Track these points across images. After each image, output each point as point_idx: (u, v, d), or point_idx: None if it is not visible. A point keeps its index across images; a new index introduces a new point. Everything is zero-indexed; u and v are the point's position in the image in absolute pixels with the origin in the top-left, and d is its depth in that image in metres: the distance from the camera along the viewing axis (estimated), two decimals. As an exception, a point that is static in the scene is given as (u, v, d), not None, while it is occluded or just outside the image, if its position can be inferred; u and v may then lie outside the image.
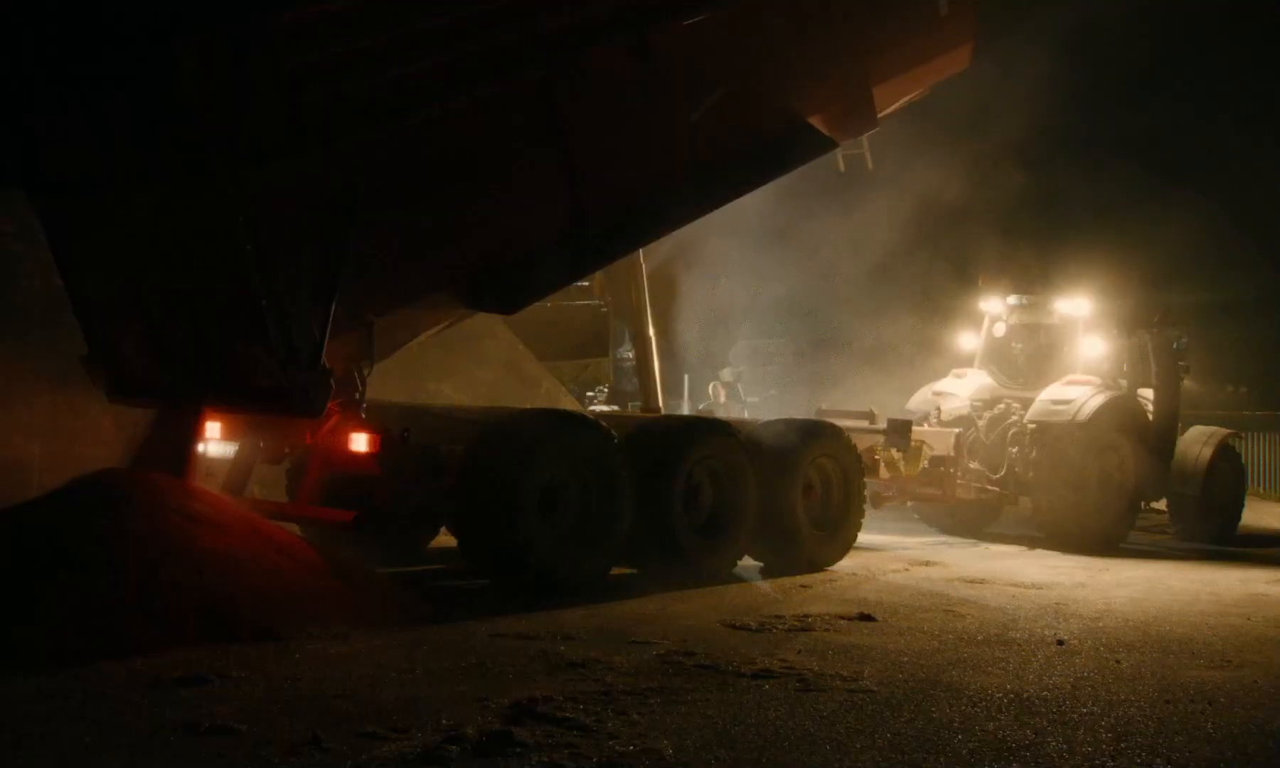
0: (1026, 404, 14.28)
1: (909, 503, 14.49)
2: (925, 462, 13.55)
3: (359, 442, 8.22)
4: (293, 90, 7.22)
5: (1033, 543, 13.87)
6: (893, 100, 11.82)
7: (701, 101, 9.53)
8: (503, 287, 8.88)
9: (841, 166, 11.89)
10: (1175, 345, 14.76)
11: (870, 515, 11.81)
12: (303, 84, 7.27)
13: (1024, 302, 15.28)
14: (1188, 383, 15.32)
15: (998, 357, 15.37)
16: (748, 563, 10.45)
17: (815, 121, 10.70)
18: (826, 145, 10.96)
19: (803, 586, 9.77)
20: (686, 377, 20.12)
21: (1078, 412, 13.65)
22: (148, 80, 7.12)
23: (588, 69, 8.72)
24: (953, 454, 13.81)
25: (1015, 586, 10.18)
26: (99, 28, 7.46)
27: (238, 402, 7.96)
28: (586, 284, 17.67)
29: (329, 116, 7.42)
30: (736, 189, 10.35)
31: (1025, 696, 6.06)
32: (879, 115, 11.30)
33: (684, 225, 10.53)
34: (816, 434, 11.03)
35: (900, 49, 11.25)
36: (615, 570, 9.31)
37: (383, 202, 7.72)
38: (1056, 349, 15.05)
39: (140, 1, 7.34)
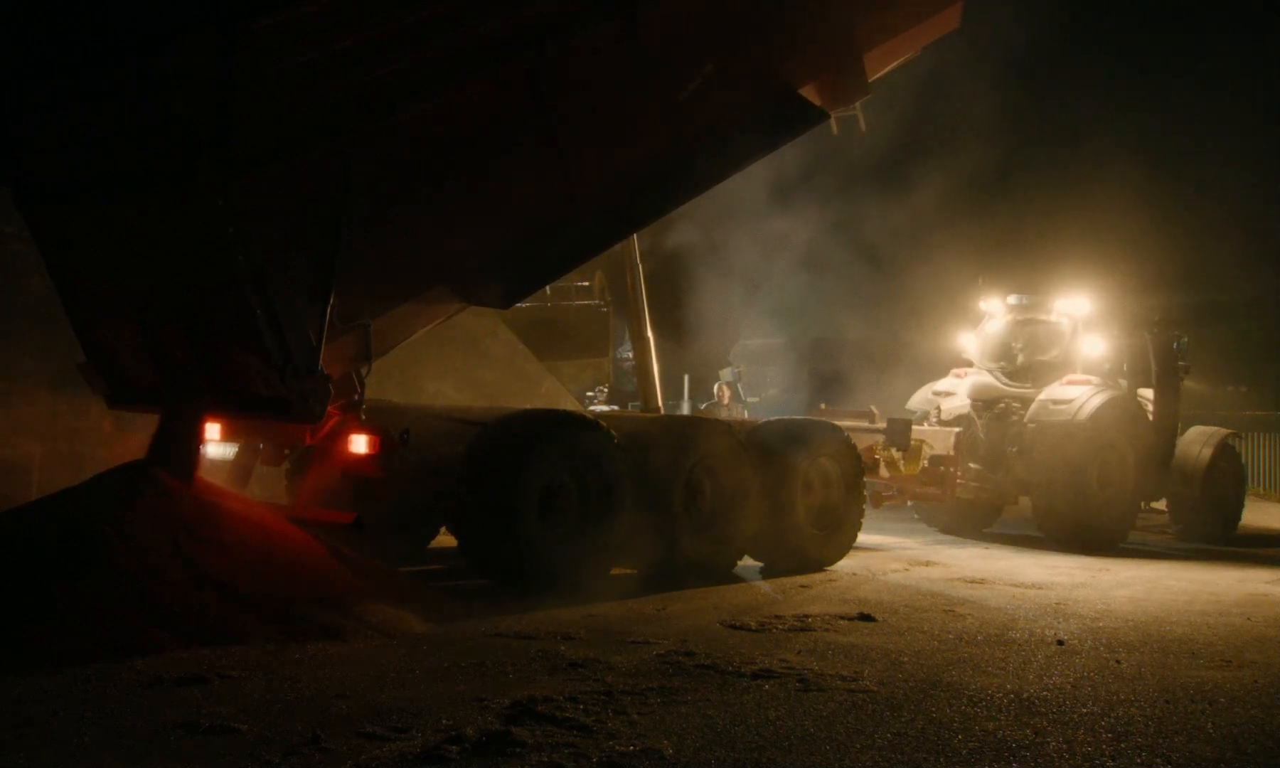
0: (1026, 404, 14.28)
1: (909, 503, 14.50)
2: (925, 461, 13.56)
3: (359, 443, 8.22)
4: (280, 93, 7.20)
5: (1033, 543, 13.88)
6: (884, 64, 11.73)
7: (691, 79, 9.46)
8: (499, 280, 8.87)
9: (835, 129, 11.84)
10: (1175, 345, 14.77)
11: (870, 515, 11.81)
12: (289, 87, 7.23)
13: (1024, 301, 15.28)
14: (1188, 383, 15.33)
15: (998, 356, 15.37)
16: (748, 563, 10.45)
17: (806, 92, 10.63)
18: (819, 116, 10.87)
19: (803, 586, 9.77)
20: (686, 377, 20.13)
21: (1078, 412, 13.65)
22: (136, 90, 7.10)
23: (576, 54, 8.66)
24: (953, 454, 13.81)
25: (1015, 586, 10.18)
26: (88, 37, 7.45)
27: (237, 409, 7.95)
28: (586, 284, 17.70)
29: (316, 118, 7.39)
30: (730, 166, 10.29)
31: (1025, 696, 6.06)
32: (870, 80, 11.24)
33: (680, 207, 10.49)
34: (816, 434, 11.03)
35: (890, 13, 11.13)
36: (615, 570, 9.31)
37: (374, 201, 7.71)
38: (1056, 349, 15.05)
39: (127, 10, 7.33)
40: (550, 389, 15.36)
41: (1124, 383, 14.74)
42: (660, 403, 12.08)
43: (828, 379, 21.64)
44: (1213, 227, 26.53)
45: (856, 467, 11.29)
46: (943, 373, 15.54)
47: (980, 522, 15.16)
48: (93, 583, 6.58)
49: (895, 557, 12.08)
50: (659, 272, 15.15)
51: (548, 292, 16.84)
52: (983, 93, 16.35)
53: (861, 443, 12.05)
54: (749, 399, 20.22)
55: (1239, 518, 15.69)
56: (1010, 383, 14.93)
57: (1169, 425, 14.59)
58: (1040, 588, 10.08)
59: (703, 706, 5.67)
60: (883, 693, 6.03)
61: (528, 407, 10.66)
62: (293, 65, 7.24)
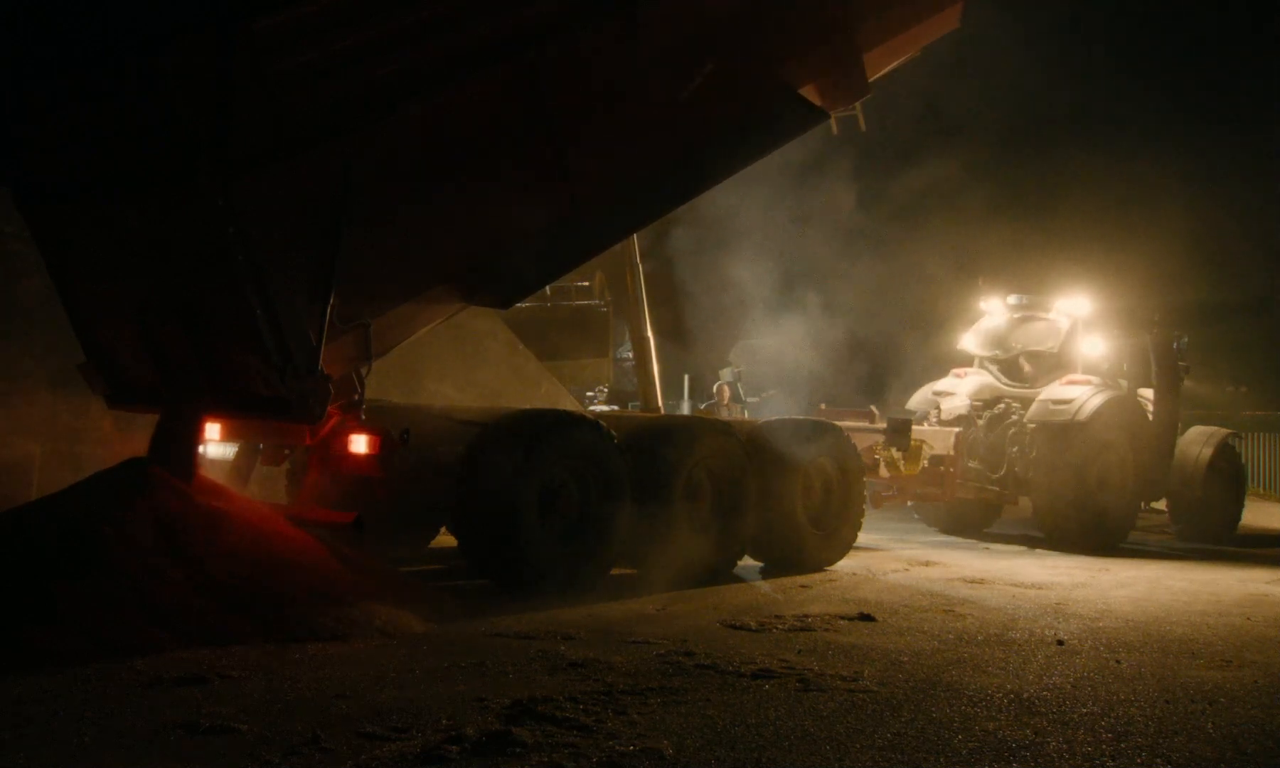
0: (1026, 404, 14.29)
1: (909, 503, 14.50)
2: (925, 461, 13.57)
3: (359, 443, 8.22)
4: (280, 93, 7.19)
5: (1033, 543, 13.88)
6: (884, 64, 11.75)
7: (691, 79, 9.45)
8: (499, 280, 8.88)
9: (835, 129, 11.87)
10: (1175, 345, 14.78)
11: (870, 515, 11.81)
12: (289, 87, 7.22)
13: (1024, 301, 15.29)
14: (1188, 383, 15.34)
15: (997, 356, 15.36)
16: (748, 563, 10.45)
17: (807, 92, 10.64)
18: (819, 116, 10.89)
19: (803, 586, 9.77)
20: (686, 377, 20.13)
21: (1078, 412, 13.66)
22: (136, 90, 7.10)
23: (576, 54, 8.65)
24: (953, 454, 13.82)
25: (1015, 586, 10.18)
26: (88, 37, 7.44)
27: (237, 409, 7.95)
28: (586, 284, 17.69)
29: (316, 118, 7.39)
30: (730, 166, 10.30)
31: (1025, 696, 6.06)
32: (870, 80, 11.25)
33: (679, 207, 10.52)
34: (816, 434, 11.03)
35: (890, 13, 11.14)
36: (615, 570, 9.31)
37: (374, 200, 7.70)
38: (1056, 349, 15.04)
39: (127, 10, 7.32)
40: (550, 389, 15.35)
41: (1124, 383, 14.74)
42: (660, 403, 12.08)
43: (828, 379, 21.63)
44: (1213, 227, 26.53)
45: (856, 467, 11.29)
46: (944, 373, 15.55)
47: (980, 522, 15.17)
48: (93, 583, 6.57)
49: (895, 557, 12.08)
50: (659, 272, 15.15)
51: (548, 292, 16.83)
52: (983, 93, 16.35)
53: (861, 443, 12.05)
54: (749, 399, 20.20)
55: (1239, 518, 15.70)
56: (1010, 383, 14.95)
57: (1169, 425, 14.60)
58: (1040, 588, 10.08)
59: (703, 706, 5.67)
60: (883, 693, 6.03)
61: (528, 407, 10.66)
62: (293, 65, 7.24)
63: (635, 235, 11.57)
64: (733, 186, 11.87)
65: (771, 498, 10.28)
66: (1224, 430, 15.67)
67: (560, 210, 8.96)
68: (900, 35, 11.53)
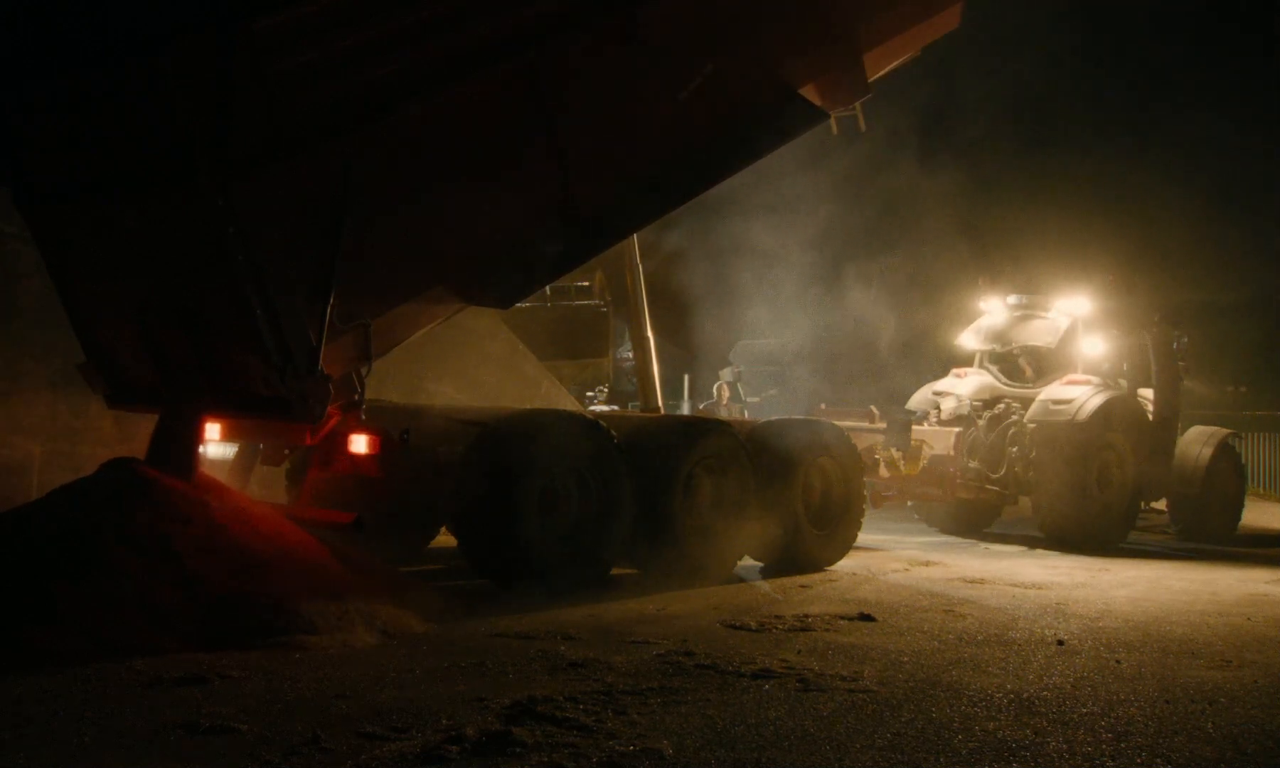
0: (1026, 404, 14.29)
1: (909, 503, 14.50)
2: (925, 461, 13.56)
3: (359, 443, 8.22)
4: (280, 93, 7.19)
5: (1033, 543, 13.88)
6: (884, 64, 11.76)
7: (690, 79, 9.46)
8: (499, 280, 8.88)
9: (835, 129, 11.87)
10: (1175, 345, 14.78)
11: (870, 515, 11.81)
12: (289, 87, 7.22)
13: (1024, 301, 15.29)
14: (1188, 383, 15.34)
15: (997, 356, 15.38)
16: (748, 563, 10.45)
17: (806, 92, 10.64)
18: (819, 116, 10.90)
19: (803, 586, 9.77)
20: (687, 377, 20.15)
21: (1078, 412, 13.66)
22: (136, 90, 7.10)
23: (576, 54, 8.66)
24: (953, 454, 13.82)
25: (1015, 586, 10.18)
26: (88, 37, 7.44)
27: (237, 409, 7.95)
28: (586, 284, 17.71)
29: (316, 118, 7.39)
30: (729, 167, 10.30)
31: (1025, 696, 6.06)
32: (870, 80, 11.25)
33: (679, 207, 10.52)
34: (816, 434, 11.02)
35: (890, 13, 11.15)
36: (615, 570, 9.31)
37: (374, 200, 7.70)
38: (1056, 349, 15.04)
39: (127, 10, 7.33)
40: (550, 389, 15.35)
41: (1124, 383, 14.74)
42: (660, 403, 12.08)
43: (828, 379, 21.64)
44: (1212, 226, 26.53)
45: (856, 467, 11.28)
46: (944, 373, 15.54)
47: (980, 522, 15.16)
48: (93, 583, 6.57)
49: (895, 557, 12.08)
50: (659, 271, 15.15)
51: (548, 292, 16.85)
52: (984, 92, 16.36)
53: (861, 443, 12.05)
54: (749, 399, 20.22)
55: (1239, 518, 15.70)
56: (1010, 383, 14.95)
57: (1169, 425, 14.60)
58: (1040, 588, 10.08)
59: (703, 706, 5.67)
60: (883, 693, 6.03)
61: (528, 407, 10.66)
62: (293, 65, 7.24)
63: (635, 235, 11.58)
64: (734, 185, 11.87)
65: (771, 498, 10.27)
66: (1224, 430, 15.66)
67: (560, 210, 8.96)
68: (900, 35, 11.53)
